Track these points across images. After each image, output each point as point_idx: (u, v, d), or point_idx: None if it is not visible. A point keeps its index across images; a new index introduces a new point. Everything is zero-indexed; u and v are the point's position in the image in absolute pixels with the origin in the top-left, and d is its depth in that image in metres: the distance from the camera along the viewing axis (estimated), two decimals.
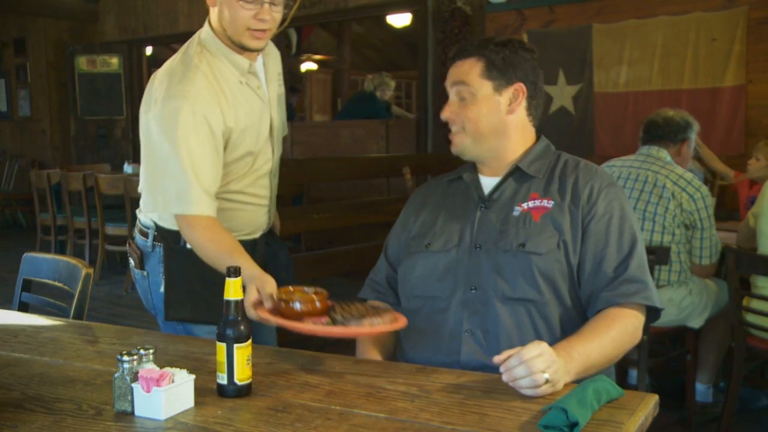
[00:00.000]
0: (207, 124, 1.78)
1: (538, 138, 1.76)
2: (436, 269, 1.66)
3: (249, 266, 1.65)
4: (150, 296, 2.00)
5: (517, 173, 1.69)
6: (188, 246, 1.88)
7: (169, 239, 1.93)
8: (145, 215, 1.97)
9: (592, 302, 1.59)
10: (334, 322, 1.41)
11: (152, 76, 1.91)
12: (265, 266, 1.97)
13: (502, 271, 1.59)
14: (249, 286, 1.58)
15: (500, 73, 1.65)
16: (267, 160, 2.01)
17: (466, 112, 1.66)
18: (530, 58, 1.69)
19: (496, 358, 1.31)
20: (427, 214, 1.77)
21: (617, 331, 1.51)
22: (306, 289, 1.52)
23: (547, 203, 1.63)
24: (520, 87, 1.67)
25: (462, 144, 1.69)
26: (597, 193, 1.62)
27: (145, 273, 1.98)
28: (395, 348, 1.73)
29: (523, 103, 1.69)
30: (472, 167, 1.76)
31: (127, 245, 2.07)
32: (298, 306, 1.46)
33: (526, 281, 1.56)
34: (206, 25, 1.90)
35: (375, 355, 1.64)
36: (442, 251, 1.66)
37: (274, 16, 1.82)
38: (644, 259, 1.62)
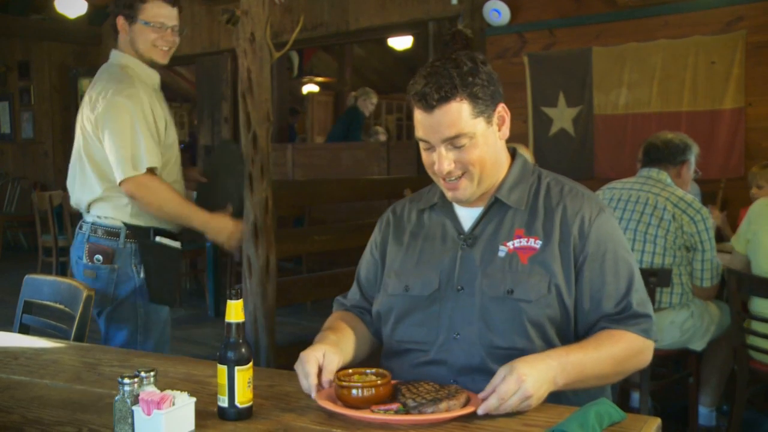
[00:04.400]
0: (152, 114, 2.37)
1: (512, 156, 1.64)
2: (416, 314, 1.57)
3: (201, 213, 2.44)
4: (113, 287, 2.38)
5: (497, 204, 1.58)
6: (157, 240, 2.42)
7: (141, 236, 2.41)
8: (112, 219, 2.38)
9: (592, 331, 1.52)
10: (405, 407, 1.30)
11: (84, 98, 2.42)
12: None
13: (489, 319, 1.50)
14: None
15: (485, 103, 1.50)
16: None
17: (468, 157, 1.51)
18: (490, 70, 1.54)
19: (480, 410, 1.28)
20: (404, 249, 1.66)
21: (620, 348, 1.46)
22: (367, 371, 1.40)
23: (534, 243, 1.52)
24: (502, 107, 1.55)
25: (469, 191, 1.55)
26: (588, 226, 1.53)
27: (116, 266, 2.38)
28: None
29: (507, 121, 1.58)
30: (443, 195, 1.62)
31: (86, 248, 2.39)
32: (360, 393, 1.32)
33: (515, 330, 1.48)
34: (114, 51, 2.47)
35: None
36: (421, 295, 1.57)
37: (174, 39, 2.48)
38: (642, 290, 1.54)
